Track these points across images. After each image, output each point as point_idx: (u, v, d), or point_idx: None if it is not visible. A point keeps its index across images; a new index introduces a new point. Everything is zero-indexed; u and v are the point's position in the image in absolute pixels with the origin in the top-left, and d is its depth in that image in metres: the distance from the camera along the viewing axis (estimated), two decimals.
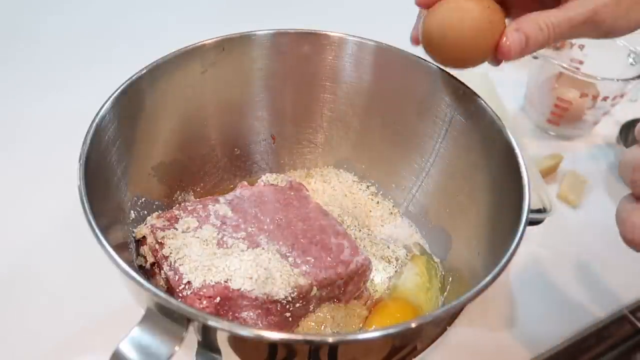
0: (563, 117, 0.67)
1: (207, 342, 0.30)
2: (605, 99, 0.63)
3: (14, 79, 0.68)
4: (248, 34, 0.47)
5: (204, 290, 0.36)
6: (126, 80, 0.41)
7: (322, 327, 0.41)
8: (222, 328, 0.28)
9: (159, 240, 0.39)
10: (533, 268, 0.51)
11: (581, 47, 0.68)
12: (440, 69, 0.45)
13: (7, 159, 0.57)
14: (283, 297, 0.38)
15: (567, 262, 0.53)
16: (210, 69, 0.46)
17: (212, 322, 0.28)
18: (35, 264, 0.47)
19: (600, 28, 0.36)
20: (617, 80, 0.61)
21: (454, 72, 0.45)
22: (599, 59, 0.67)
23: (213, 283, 0.36)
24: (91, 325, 0.43)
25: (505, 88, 0.68)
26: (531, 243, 0.53)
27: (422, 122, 0.48)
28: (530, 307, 0.49)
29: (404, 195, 0.52)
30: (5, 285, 0.46)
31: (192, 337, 0.29)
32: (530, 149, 0.66)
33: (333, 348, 0.30)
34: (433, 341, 0.37)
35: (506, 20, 0.38)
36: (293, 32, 0.48)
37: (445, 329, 0.36)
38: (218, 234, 0.40)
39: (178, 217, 0.41)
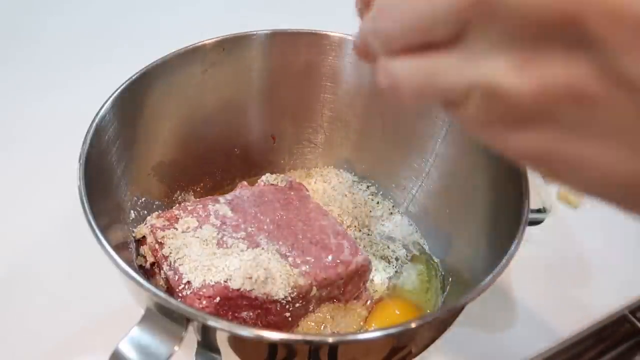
0: None
1: (207, 342, 0.30)
2: None
3: (14, 79, 0.68)
4: (248, 34, 0.47)
5: (204, 290, 0.36)
6: (126, 80, 0.41)
7: (322, 327, 0.41)
8: (222, 328, 0.28)
9: (159, 240, 0.39)
10: (533, 268, 0.51)
11: None
12: None
13: (7, 159, 0.57)
14: (283, 297, 0.38)
15: (567, 262, 0.53)
16: (210, 69, 0.46)
17: (212, 322, 0.28)
18: (35, 264, 0.47)
19: None
20: None
21: None
22: None
23: (213, 283, 0.36)
24: (91, 325, 0.43)
25: None
26: (531, 243, 0.53)
27: (422, 122, 0.48)
28: (530, 307, 0.49)
29: (404, 195, 0.52)
30: (5, 285, 0.46)
31: (191, 337, 0.29)
32: None
33: (333, 348, 0.30)
34: (433, 341, 0.37)
35: None
36: (293, 32, 0.48)
37: (445, 329, 0.36)
38: (218, 234, 0.40)
39: (178, 217, 0.41)
